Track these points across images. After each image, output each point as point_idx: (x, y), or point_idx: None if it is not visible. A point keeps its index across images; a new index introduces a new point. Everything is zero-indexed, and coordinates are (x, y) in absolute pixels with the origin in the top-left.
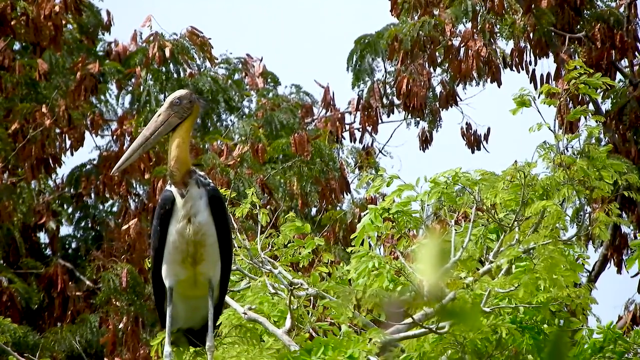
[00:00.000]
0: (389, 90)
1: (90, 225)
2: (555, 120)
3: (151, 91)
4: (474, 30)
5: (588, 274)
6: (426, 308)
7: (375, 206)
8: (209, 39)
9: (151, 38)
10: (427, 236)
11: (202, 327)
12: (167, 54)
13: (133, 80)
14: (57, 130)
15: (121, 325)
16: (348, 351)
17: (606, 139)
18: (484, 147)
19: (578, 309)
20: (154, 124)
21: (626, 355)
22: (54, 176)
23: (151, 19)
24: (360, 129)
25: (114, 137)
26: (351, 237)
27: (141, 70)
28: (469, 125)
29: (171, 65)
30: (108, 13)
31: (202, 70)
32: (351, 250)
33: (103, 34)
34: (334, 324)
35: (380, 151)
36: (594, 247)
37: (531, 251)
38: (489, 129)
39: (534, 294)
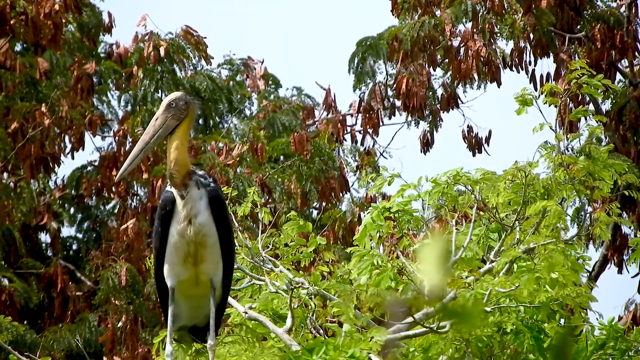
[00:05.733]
0: (390, 93)
1: (91, 226)
2: (556, 120)
3: (147, 91)
4: (474, 30)
5: (588, 274)
6: (427, 307)
7: (376, 205)
8: (204, 38)
9: (146, 37)
10: (429, 236)
11: (207, 325)
12: (162, 53)
13: (130, 80)
14: (57, 130)
15: (120, 324)
16: (349, 351)
17: (606, 139)
18: (485, 149)
19: (577, 307)
20: (152, 128)
21: (628, 354)
22: (54, 177)
23: (146, 18)
24: (362, 131)
25: (116, 138)
26: (353, 238)
27: (138, 70)
28: (470, 128)
29: (167, 65)
30: (109, 15)
31: (198, 69)
32: (351, 251)
33: (104, 35)
34: (338, 323)
35: (381, 154)
36: (595, 247)
37: (532, 251)
38: (490, 132)
39: (534, 294)
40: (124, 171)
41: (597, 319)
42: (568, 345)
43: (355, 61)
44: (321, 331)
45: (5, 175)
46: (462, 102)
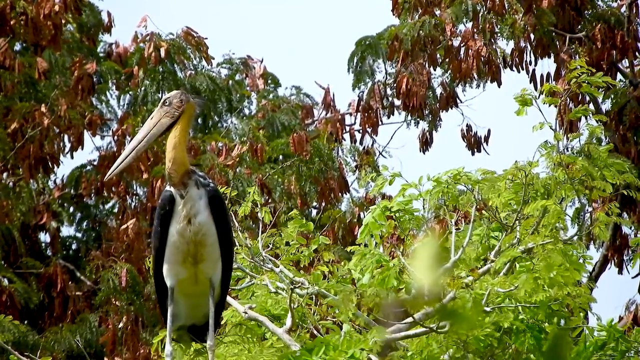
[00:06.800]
0: (389, 92)
1: (91, 225)
2: (556, 120)
3: (148, 91)
4: (475, 30)
5: (589, 274)
6: (426, 307)
7: (378, 204)
8: (205, 38)
9: (147, 38)
10: (425, 237)
11: (205, 324)
12: (163, 54)
13: (130, 80)
14: (57, 130)
15: (121, 325)
16: (349, 351)
17: (606, 139)
18: (484, 149)
19: (576, 307)
20: (146, 127)
21: (627, 354)
22: (53, 177)
23: (147, 19)
24: (361, 131)
25: (115, 137)
26: (356, 239)
27: (138, 70)
28: (469, 127)
29: (168, 65)
30: (109, 14)
31: (198, 70)
32: (351, 250)
33: (103, 34)
34: (336, 323)
35: (380, 153)
36: (595, 247)
37: (531, 251)
38: (489, 131)
39: (533, 293)
40: (114, 169)
41: (596, 321)
42: (563, 346)
43: (355, 60)
44: (321, 330)
45: (4, 175)
46: (461, 101)
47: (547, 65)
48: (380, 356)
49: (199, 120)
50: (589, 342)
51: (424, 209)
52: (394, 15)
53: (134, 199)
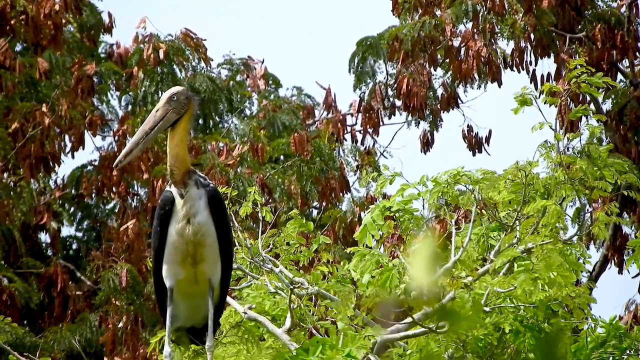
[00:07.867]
0: (390, 93)
1: (91, 226)
2: (556, 120)
3: (147, 92)
4: (475, 31)
5: (589, 274)
6: (425, 308)
7: (377, 204)
8: (204, 40)
9: (146, 39)
10: (422, 238)
11: (204, 326)
12: (162, 55)
13: (130, 80)
14: (57, 130)
15: (121, 325)
16: (346, 350)
17: (607, 139)
18: (485, 149)
19: (575, 308)
20: (152, 119)
21: (628, 352)
22: (54, 176)
23: (146, 20)
24: (362, 131)
25: (116, 137)
26: (354, 237)
27: (138, 71)
28: (470, 128)
29: (167, 65)
30: (109, 15)
31: (197, 71)
32: (351, 251)
33: (104, 35)
34: (335, 323)
35: (381, 154)
36: (596, 247)
37: (531, 251)
38: (490, 132)
39: (532, 293)
40: (122, 159)
41: (596, 320)
42: (557, 346)
43: (356, 61)
44: (320, 331)
45: (5, 175)
46: (462, 102)
47: (547, 66)
48: (378, 356)
49: (200, 121)
50: (589, 339)
51: (423, 208)
52: (394, 15)
53: (134, 199)
